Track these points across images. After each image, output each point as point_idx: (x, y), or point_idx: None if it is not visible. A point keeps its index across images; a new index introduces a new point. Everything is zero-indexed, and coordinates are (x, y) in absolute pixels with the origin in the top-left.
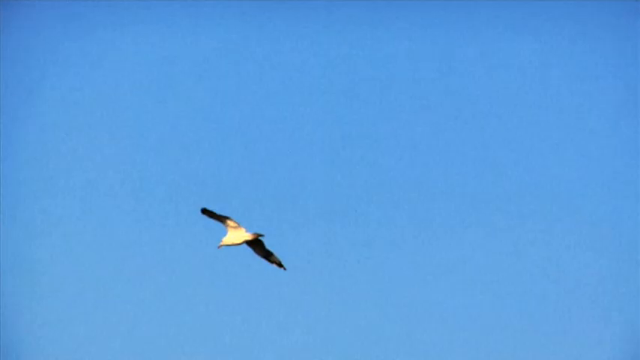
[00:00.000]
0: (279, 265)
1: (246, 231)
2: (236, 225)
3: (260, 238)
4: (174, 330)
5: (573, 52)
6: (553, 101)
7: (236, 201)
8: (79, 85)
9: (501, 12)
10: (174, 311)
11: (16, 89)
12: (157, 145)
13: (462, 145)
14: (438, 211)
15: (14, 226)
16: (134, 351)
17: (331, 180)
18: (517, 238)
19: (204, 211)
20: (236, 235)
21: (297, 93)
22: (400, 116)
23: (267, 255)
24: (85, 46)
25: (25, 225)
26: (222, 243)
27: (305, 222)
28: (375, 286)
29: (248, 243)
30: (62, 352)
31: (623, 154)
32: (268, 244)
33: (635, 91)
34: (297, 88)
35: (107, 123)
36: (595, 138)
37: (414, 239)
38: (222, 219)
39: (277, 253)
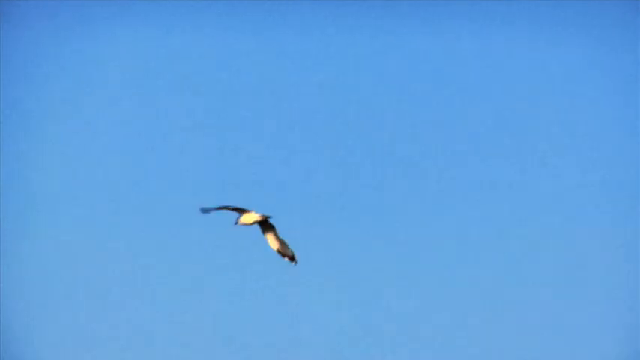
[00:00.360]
0: (291, 258)
1: (255, 212)
2: (246, 210)
3: (269, 220)
4: (175, 330)
5: (573, 52)
6: (552, 101)
7: (239, 198)
8: (79, 85)
9: (501, 11)
10: (175, 312)
11: (15, 89)
12: (157, 144)
13: (460, 143)
14: (438, 209)
15: (14, 226)
16: (136, 351)
17: (333, 177)
18: (516, 238)
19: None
20: (247, 216)
21: (297, 89)
22: (401, 113)
23: (282, 245)
24: (85, 46)
25: (26, 224)
26: (239, 221)
27: (307, 219)
28: (379, 283)
29: (262, 229)
30: (63, 352)
31: (624, 154)
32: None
33: (635, 91)
34: (297, 85)
35: (107, 122)
36: (595, 137)
37: (412, 234)
38: (236, 210)
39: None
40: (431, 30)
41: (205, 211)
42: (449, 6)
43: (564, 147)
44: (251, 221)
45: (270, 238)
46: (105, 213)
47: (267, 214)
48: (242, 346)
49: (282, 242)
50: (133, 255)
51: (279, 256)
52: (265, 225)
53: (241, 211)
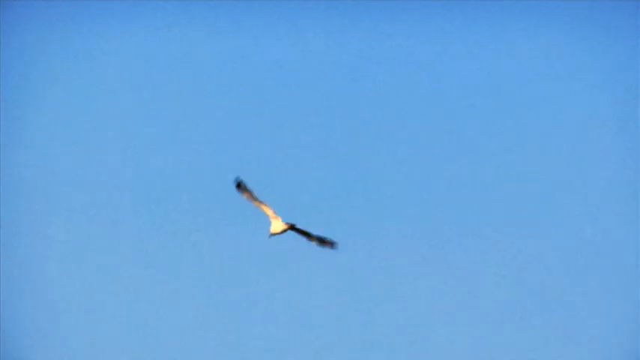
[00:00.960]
0: (331, 244)
1: (282, 220)
2: (274, 214)
3: (297, 226)
4: (176, 330)
5: (572, 52)
6: (552, 102)
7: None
8: (79, 84)
9: (501, 11)
10: (176, 312)
11: (15, 89)
12: (159, 144)
13: (459, 144)
14: (438, 211)
15: (13, 226)
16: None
17: (334, 176)
18: (517, 237)
19: (239, 186)
20: (276, 224)
21: (295, 90)
22: (402, 115)
23: (319, 240)
24: (86, 46)
25: (25, 224)
26: (270, 232)
27: (313, 221)
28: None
29: (302, 236)
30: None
31: (624, 155)
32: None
33: (635, 91)
34: (296, 86)
35: (108, 122)
36: (595, 139)
37: (411, 241)
38: (259, 202)
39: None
40: (431, 30)
41: (241, 187)
42: (449, 6)
43: (564, 146)
44: (280, 230)
45: (308, 238)
46: (105, 213)
47: (291, 221)
48: (243, 346)
49: (319, 237)
50: (132, 256)
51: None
52: (297, 231)
53: (267, 208)
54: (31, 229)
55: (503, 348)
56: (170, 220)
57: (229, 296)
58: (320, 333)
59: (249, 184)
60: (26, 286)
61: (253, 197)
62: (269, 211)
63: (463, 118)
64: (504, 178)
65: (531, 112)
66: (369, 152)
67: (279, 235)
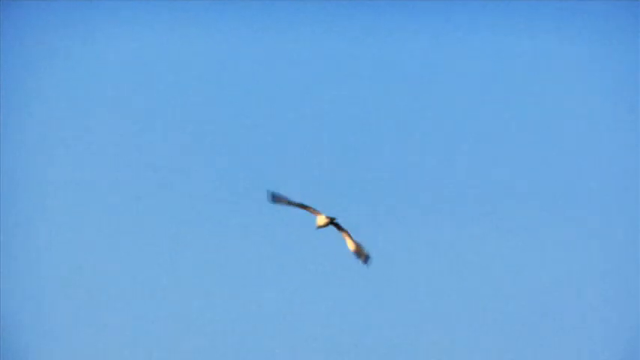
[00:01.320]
0: (366, 259)
1: (323, 214)
2: (314, 210)
3: (336, 221)
4: (179, 330)
5: (572, 53)
6: (552, 102)
7: (240, 197)
8: (79, 84)
9: (500, 11)
10: (179, 312)
11: (15, 89)
12: (160, 144)
13: (458, 145)
14: (438, 210)
15: (13, 226)
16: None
17: (333, 178)
18: (516, 238)
19: (275, 199)
20: (320, 218)
21: (295, 90)
22: (401, 116)
23: (357, 246)
24: (84, 46)
25: (25, 224)
26: (317, 225)
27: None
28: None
29: (337, 230)
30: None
31: (624, 155)
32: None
33: (635, 92)
34: (296, 85)
35: (108, 122)
36: (594, 139)
37: (411, 240)
38: (301, 207)
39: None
40: (430, 29)
41: (275, 198)
42: (448, 5)
43: (563, 147)
44: (323, 223)
45: (346, 238)
46: (106, 213)
47: (332, 215)
48: (247, 346)
49: (357, 243)
50: (132, 257)
51: (350, 257)
52: (337, 226)
53: (307, 208)
54: (31, 227)
55: (505, 348)
56: (170, 219)
57: (230, 296)
58: (323, 333)
59: (279, 192)
60: (26, 285)
61: (289, 202)
62: (310, 209)
63: (464, 117)
64: (504, 178)
65: (531, 112)
66: (368, 151)
67: (324, 229)
